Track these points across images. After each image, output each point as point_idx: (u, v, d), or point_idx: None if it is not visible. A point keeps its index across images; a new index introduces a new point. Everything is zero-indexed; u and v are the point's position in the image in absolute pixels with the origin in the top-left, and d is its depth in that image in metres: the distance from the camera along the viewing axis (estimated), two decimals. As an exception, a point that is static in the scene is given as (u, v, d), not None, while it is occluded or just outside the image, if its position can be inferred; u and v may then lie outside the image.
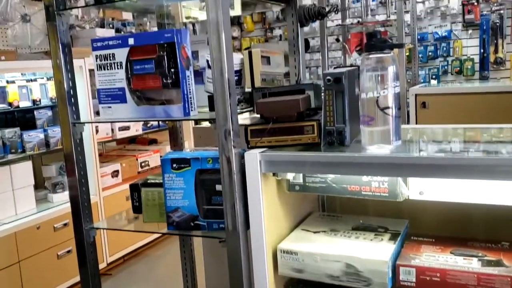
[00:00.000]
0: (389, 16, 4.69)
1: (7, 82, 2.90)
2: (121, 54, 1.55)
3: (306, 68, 4.40)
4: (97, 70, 1.61)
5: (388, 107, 1.27)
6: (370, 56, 1.28)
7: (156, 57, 1.51)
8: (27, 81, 3.02)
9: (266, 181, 1.35)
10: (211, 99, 1.59)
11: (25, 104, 3.02)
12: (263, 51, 1.62)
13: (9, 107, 2.94)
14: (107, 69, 1.59)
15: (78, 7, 1.66)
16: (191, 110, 1.53)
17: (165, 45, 1.50)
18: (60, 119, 1.63)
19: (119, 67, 1.57)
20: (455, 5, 5.29)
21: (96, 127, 3.55)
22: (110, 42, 1.57)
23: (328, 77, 1.35)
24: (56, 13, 1.56)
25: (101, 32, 3.84)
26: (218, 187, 1.43)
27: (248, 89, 1.68)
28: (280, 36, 6.57)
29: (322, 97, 1.46)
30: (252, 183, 1.33)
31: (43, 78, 3.14)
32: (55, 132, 3.18)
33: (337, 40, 4.58)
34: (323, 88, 1.41)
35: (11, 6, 3.30)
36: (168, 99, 1.58)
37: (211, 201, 1.48)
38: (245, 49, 6.39)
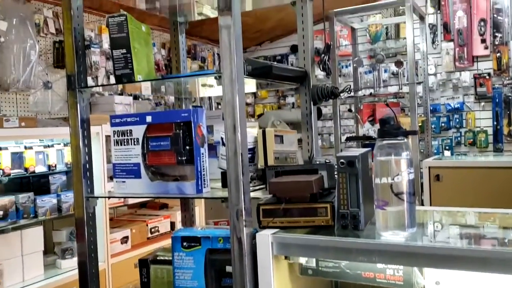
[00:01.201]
0: (401, 88, 4.76)
1: (25, 147, 2.95)
2: (138, 131, 1.59)
3: (318, 135, 4.42)
4: (114, 145, 1.63)
5: (402, 193, 1.26)
6: (384, 142, 1.28)
7: (172, 134, 1.54)
8: (45, 146, 3.08)
9: (278, 263, 1.32)
10: (224, 175, 1.60)
11: (40, 169, 3.06)
12: (277, 131, 1.64)
13: (25, 172, 2.97)
14: (124, 145, 1.61)
15: (98, 86, 1.69)
16: (204, 187, 1.54)
17: (182, 123, 1.53)
18: (74, 192, 1.65)
19: (135, 143, 1.59)
20: (467, 78, 5.37)
21: (109, 191, 3.55)
22: (128, 119, 1.61)
23: (342, 160, 1.36)
24: (78, 90, 1.62)
25: (119, 99, 3.94)
26: (228, 268, 1.41)
27: (261, 166, 1.69)
28: (293, 104, 6.68)
29: (336, 177, 1.46)
30: (263, 266, 1.30)
31: (60, 144, 3.20)
32: (68, 197, 3.19)
33: (350, 110, 4.64)
34: (336, 167, 1.42)
35: (35, 74, 3.43)
36: (182, 174, 1.60)
37: (221, 283, 1.45)
38: (258, 116, 6.50)
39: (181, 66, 2.21)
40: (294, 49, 6.62)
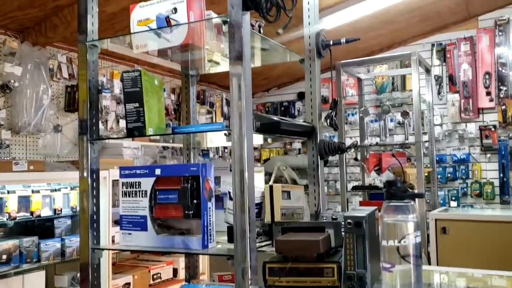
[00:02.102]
0: (407, 138, 4.79)
1: (32, 191, 2.97)
2: (147, 183, 1.60)
3: (324, 181, 4.44)
4: (122, 196, 1.65)
5: (409, 255, 1.26)
6: (391, 204, 1.29)
7: (180, 188, 1.55)
8: (51, 190, 3.09)
9: (282, 324, 1.31)
10: (230, 230, 1.60)
11: (46, 213, 3.07)
12: (284, 186, 1.65)
13: (31, 216, 2.98)
14: (132, 197, 1.63)
15: (110, 138, 1.73)
16: (210, 242, 1.54)
17: (190, 177, 1.54)
18: (81, 243, 1.65)
19: (143, 195, 1.60)
20: (473, 129, 5.40)
21: (113, 236, 3.54)
22: (138, 171, 1.62)
23: (349, 221, 1.37)
24: (90, 142, 1.65)
25: (127, 143, 3.98)
26: (233, 328, 1.39)
27: (267, 222, 1.69)
28: (299, 149, 6.71)
29: (342, 235, 1.46)
30: (268, 327, 1.29)
31: (67, 187, 3.22)
32: (72, 242, 3.18)
33: (356, 159, 4.67)
34: (343, 226, 1.42)
35: (46, 118, 3.49)
36: (188, 228, 1.60)
37: None
38: (264, 161, 6.52)
39: (191, 117, 2.25)
40: (301, 96, 6.72)
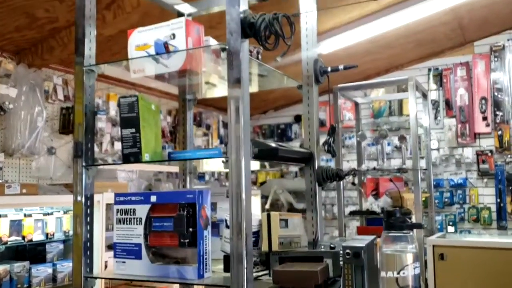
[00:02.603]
0: (405, 163, 4.77)
1: (25, 215, 2.92)
2: (142, 210, 1.57)
3: (322, 205, 4.41)
4: (116, 223, 1.61)
5: (407, 286, 1.24)
6: (390, 234, 1.27)
7: (176, 215, 1.52)
8: (44, 214, 3.04)
9: None
10: (226, 259, 1.57)
11: (38, 237, 3.01)
12: (282, 214, 1.62)
13: (22, 241, 2.92)
14: (126, 224, 1.59)
15: (105, 164, 1.70)
16: (206, 271, 1.50)
17: (186, 204, 1.51)
18: (73, 271, 1.61)
19: (138, 223, 1.57)
20: (470, 154, 5.40)
21: (106, 262, 3.48)
22: (133, 198, 1.59)
23: (348, 251, 1.33)
24: (84, 168, 1.62)
25: (122, 166, 3.95)
26: None
27: (264, 251, 1.65)
28: (296, 172, 6.68)
29: (341, 264, 1.43)
30: None
31: (59, 211, 3.16)
32: (64, 267, 3.12)
33: (353, 184, 4.64)
34: (341, 255, 1.39)
35: (40, 140, 3.45)
36: (183, 257, 1.56)
37: None
38: (261, 184, 6.48)
39: (187, 141, 2.23)
40: (298, 118, 6.73)
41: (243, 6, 1.44)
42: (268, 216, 1.60)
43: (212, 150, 1.61)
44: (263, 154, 1.62)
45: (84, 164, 1.61)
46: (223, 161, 1.44)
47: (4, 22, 3.04)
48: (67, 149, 3.86)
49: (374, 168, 4.38)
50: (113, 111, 4.29)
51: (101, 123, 4.15)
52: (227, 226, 1.59)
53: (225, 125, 6.49)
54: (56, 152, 3.76)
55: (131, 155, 1.61)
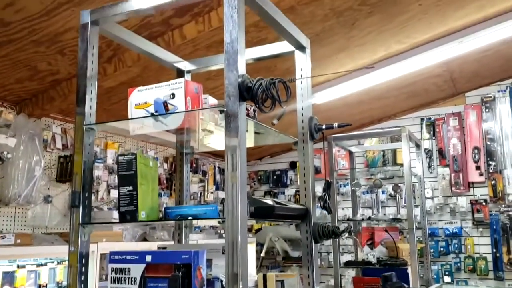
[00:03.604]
0: (399, 212, 4.78)
1: (18, 266, 2.89)
2: (136, 270, 1.57)
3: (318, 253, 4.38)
4: (111, 283, 1.61)
5: None
6: (386, 299, 1.27)
7: (171, 276, 1.52)
8: (38, 265, 3.02)
9: None
10: (222, 319, 1.56)
11: (30, 289, 2.97)
12: (278, 275, 1.63)
13: (14, 293, 2.88)
14: (121, 283, 1.59)
15: (102, 223, 1.72)
16: (201, 333, 1.49)
17: (181, 265, 1.52)
18: (65, 332, 1.59)
19: (133, 282, 1.57)
20: (464, 203, 5.42)
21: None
22: (128, 257, 1.60)
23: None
24: (80, 226, 1.63)
25: (117, 215, 3.92)
26: None
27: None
28: (291, 220, 6.65)
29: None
30: None
31: (53, 262, 3.14)
32: (55, 320, 3.06)
33: (349, 232, 4.63)
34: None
35: (37, 188, 3.46)
36: (178, 318, 1.55)
37: None
38: (256, 231, 6.44)
39: (183, 195, 2.25)
40: (293, 165, 6.77)
41: (241, 71, 1.49)
42: (264, 277, 1.60)
43: (209, 207, 1.62)
44: (259, 212, 1.64)
45: (80, 221, 1.62)
46: (219, 222, 1.46)
47: (6, 74, 3.11)
48: (63, 197, 3.86)
49: (369, 218, 4.39)
50: (110, 159, 4.31)
51: (98, 171, 4.17)
52: (223, 287, 1.59)
53: (222, 171, 6.51)
54: (52, 200, 3.76)
55: (128, 213, 1.63)
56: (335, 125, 2.05)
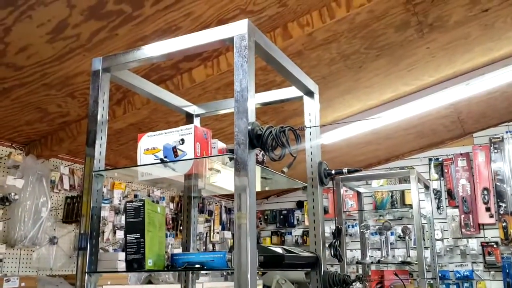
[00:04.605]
0: (409, 255, 4.68)
1: (21, 312, 2.84)
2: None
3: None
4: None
5: None
6: None
7: (178, 328, 1.48)
8: (41, 311, 2.96)
9: None
10: None
11: (33, 334, 2.91)
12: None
13: None
14: (127, 335, 1.55)
15: (109, 272, 1.69)
16: None
17: (189, 316, 1.48)
18: None
19: (139, 334, 1.53)
20: (475, 245, 5.32)
21: None
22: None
23: None
24: (87, 274, 1.60)
25: (123, 256, 3.87)
26: None
27: None
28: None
29: None
30: None
31: (57, 306, 3.08)
32: None
33: (358, 278, 4.53)
34: None
35: (43, 230, 3.43)
36: None
37: None
38: (262, 273, 6.32)
39: (190, 239, 2.22)
40: (300, 204, 6.71)
41: (251, 118, 1.49)
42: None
43: (216, 254, 1.60)
44: (268, 261, 1.60)
45: (86, 270, 1.60)
46: (228, 273, 1.43)
47: (16, 116, 3.14)
48: (69, 239, 3.83)
49: (379, 261, 4.30)
50: (117, 200, 4.30)
51: (104, 212, 4.14)
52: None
53: (228, 211, 6.46)
54: (58, 242, 3.72)
55: (135, 261, 1.61)
56: (345, 170, 2.04)
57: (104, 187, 4.27)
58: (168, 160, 1.67)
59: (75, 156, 3.93)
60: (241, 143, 1.47)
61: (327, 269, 1.94)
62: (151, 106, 3.01)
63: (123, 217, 3.71)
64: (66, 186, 3.89)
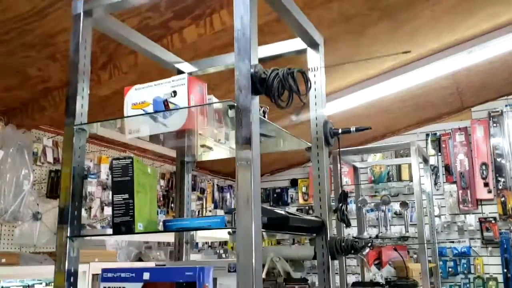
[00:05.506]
0: (408, 230, 4.56)
1: (2, 288, 2.67)
2: (132, 290, 1.36)
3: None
4: (103, 305, 1.39)
5: None
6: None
7: (173, 296, 1.31)
8: (24, 286, 2.78)
9: None
10: None
11: (16, 312, 2.74)
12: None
13: (-2, 317, 2.65)
14: (114, 305, 1.38)
15: (93, 235, 1.51)
16: None
17: (184, 283, 1.31)
18: None
19: (128, 304, 1.36)
20: (472, 221, 5.22)
21: None
22: (123, 275, 1.39)
23: None
24: (69, 238, 1.42)
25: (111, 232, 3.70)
26: None
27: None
28: (293, 239, 6.43)
29: None
30: None
31: (41, 283, 2.90)
32: None
33: (371, 247, 4.40)
34: None
35: (25, 205, 3.24)
36: None
37: None
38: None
39: (185, 208, 2.05)
40: (294, 183, 6.58)
41: (254, 60, 1.31)
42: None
43: (213, 219, 1.42)
44: (272, 223, 1.44)
45: (69, 234, 1.42)
46: (229, 233, 1.26)
47: (-6, 81, 2.93)
48: (54, 214, 3.63)
49: (377, 236, 4.18)
50: (104, 174, 4.10)
51: (91, 187, 3.95)
52: (232, 309, 1.38)
53: (220, 189, 6.30)
54: (42, 217, 3.53)
55: (123, 224, 1.43)
56: (353, 128, 1.88)
57: (91, 161, 4.08)
58: (158, 110, 1.49)
59: (59, 128, 3.72)
60: (242, 88, 1.29)
61: (334, 234, 1.78)
62: (139, 69, 2.81)
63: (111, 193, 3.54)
64: (50, 159, 3.68)
